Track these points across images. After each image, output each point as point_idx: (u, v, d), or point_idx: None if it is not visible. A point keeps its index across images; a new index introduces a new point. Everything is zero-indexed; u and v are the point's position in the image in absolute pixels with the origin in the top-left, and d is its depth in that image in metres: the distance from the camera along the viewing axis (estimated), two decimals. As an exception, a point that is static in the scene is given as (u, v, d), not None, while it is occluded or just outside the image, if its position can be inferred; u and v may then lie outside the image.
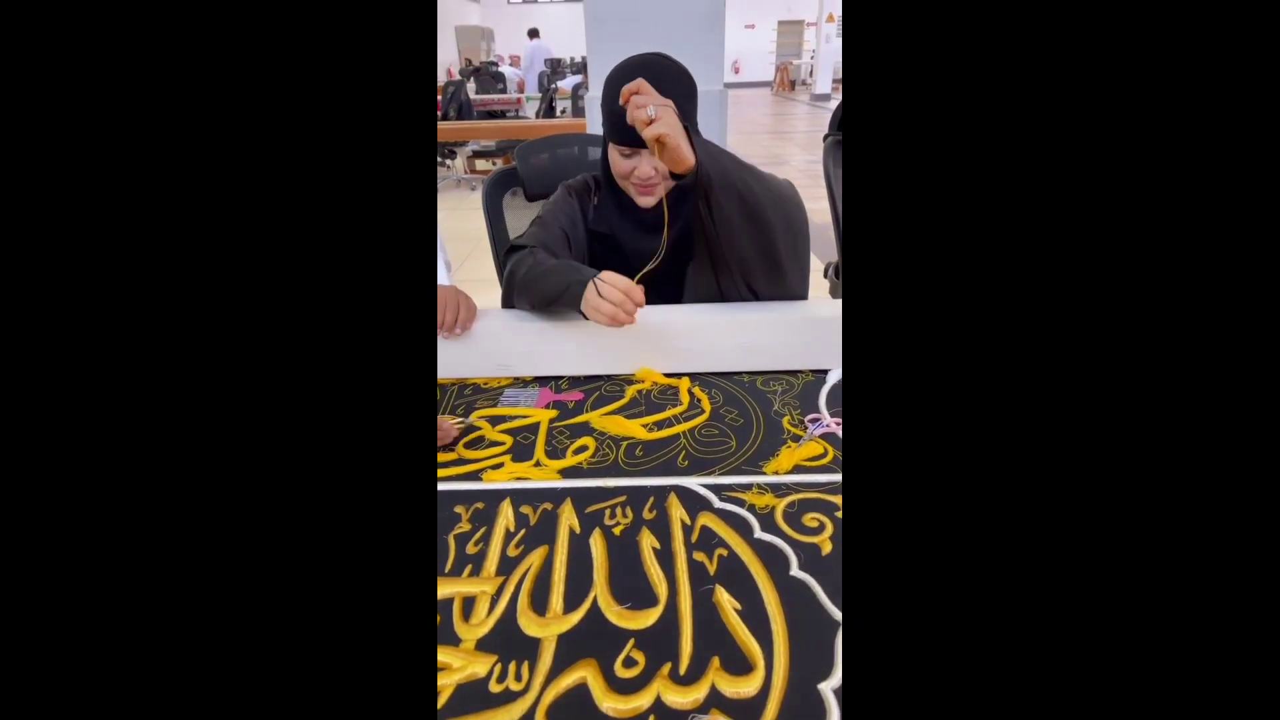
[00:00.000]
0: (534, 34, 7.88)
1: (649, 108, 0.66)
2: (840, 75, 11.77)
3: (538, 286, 0.76)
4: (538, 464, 0.61)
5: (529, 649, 0.42)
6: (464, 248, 3.43)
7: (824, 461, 0.60)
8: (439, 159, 5.36)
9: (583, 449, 0.63)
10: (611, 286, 0.68)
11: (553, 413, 0.70)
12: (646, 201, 0.82)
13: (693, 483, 0.58)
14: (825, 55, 11.48)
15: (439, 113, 5.18)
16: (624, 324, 0.69)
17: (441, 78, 8.35)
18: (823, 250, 1.25)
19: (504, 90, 6.00)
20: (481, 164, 5.31)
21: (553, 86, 5.64)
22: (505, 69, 6.78)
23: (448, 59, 10.47)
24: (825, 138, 1.20)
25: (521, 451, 0.63)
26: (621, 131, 0.73)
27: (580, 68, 6.62)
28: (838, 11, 11.09)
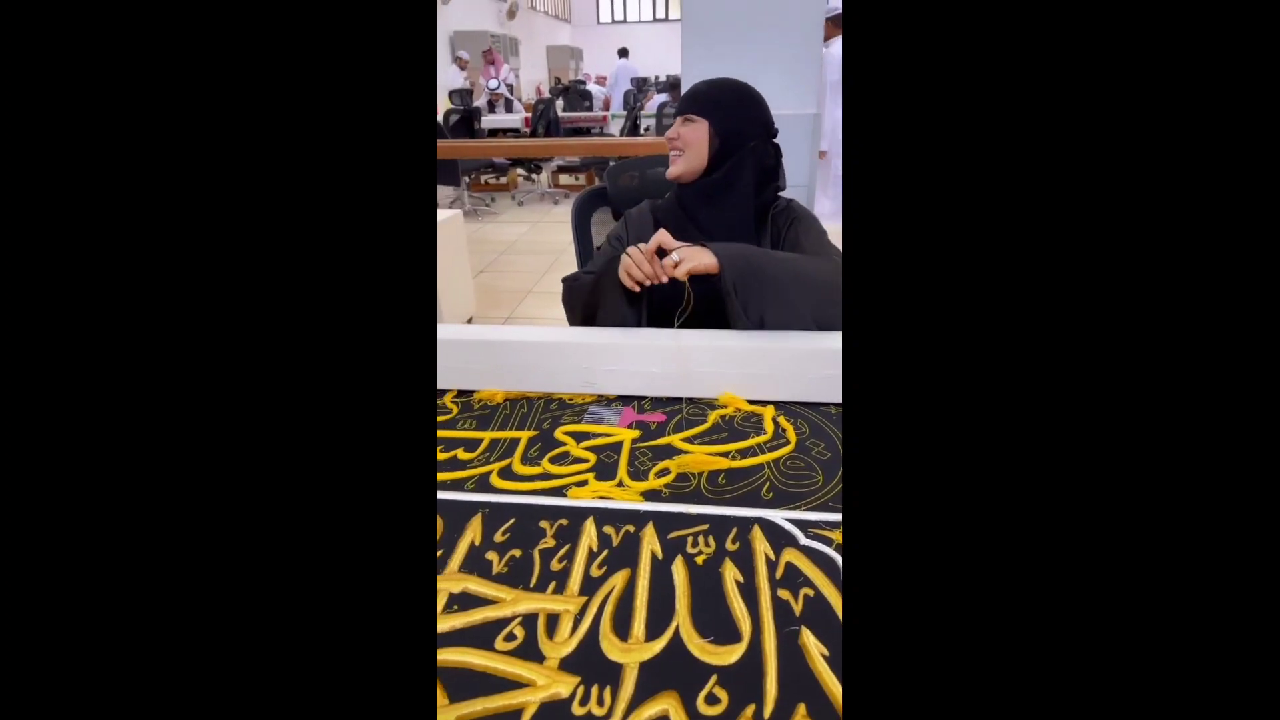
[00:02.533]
0: (623, 53, 8.07)
1: (673, 254, 0.78)
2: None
3: (586, 286, 0.89)
4: (620, 484, 0.62)
5: (611, 674, 0.42)
6: (545, 260, 3.52)
7: (917, 505, 0.57)
8: (527, 173, 5.56)
9: (664, 472, 0.63)
10: (634, 250, 0.81)
11: (635, 433, 0.70)
12: (672, 170, 0.96)
13: (778, 516, 0.56)
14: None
15: (528, 129, 5.38)
16: (648, 277, 0.79)
17: (531, 95, 8.68)
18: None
19: (590, 108, 6.17)
20: (565, 178, 5.47)
21: (638, 105, 5.74)
22: (592, 87, 6.97)
23: (538, 77, 10.88)
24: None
25: (605, 470, 0.64)
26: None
27: (666, 86, 6.71)
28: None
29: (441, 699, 0.41)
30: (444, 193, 4.92)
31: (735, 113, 0.93)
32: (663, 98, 5.66)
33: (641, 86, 7.47)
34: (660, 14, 14.75)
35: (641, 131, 5.16)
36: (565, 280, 0.97)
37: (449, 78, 7.11)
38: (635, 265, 0.80)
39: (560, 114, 5.54)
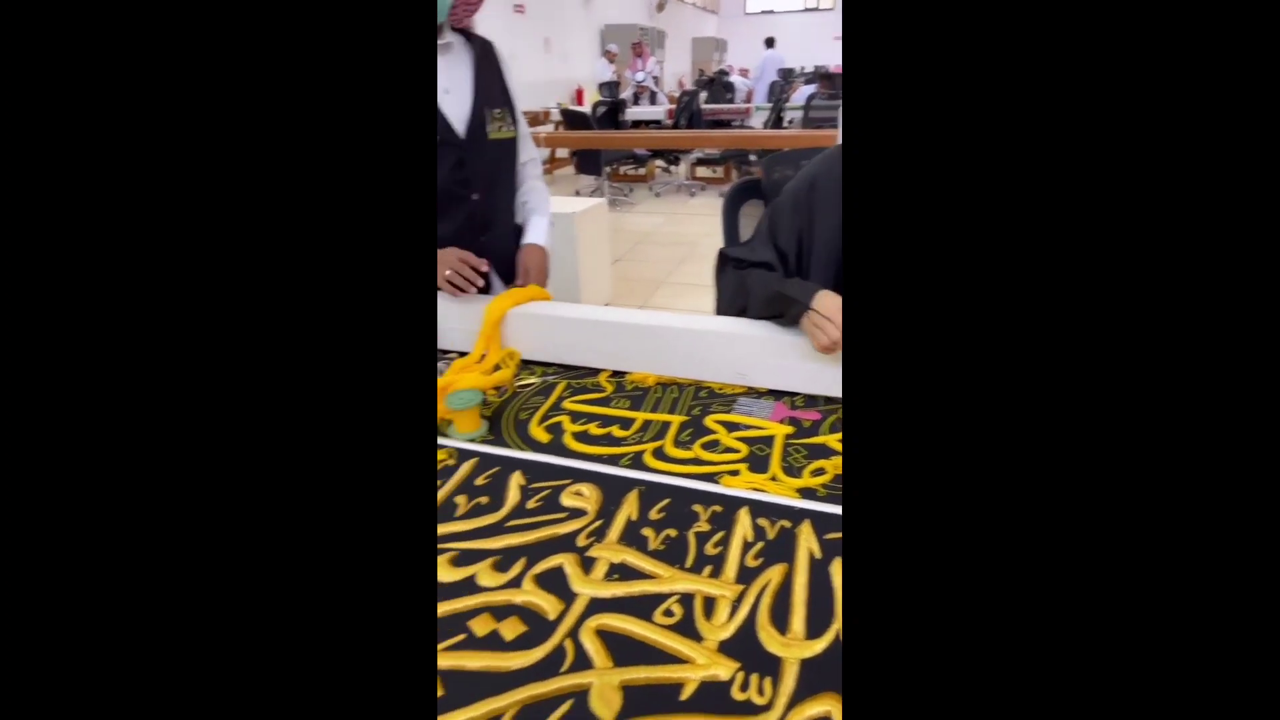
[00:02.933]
0: (769, 43, 7.89)
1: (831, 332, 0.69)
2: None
3: (758, 295, 0.80)
4: (774, 478, 0.61)
5: (771, 665, 0.42)
6: (680, 251, 3.55)
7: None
8: (666, 164, 5.62)
9: (820, 471, 0.61)
10: (821, 316, 0.70)
11: (789, 429, 0.69)
12: None
13: (947, 531, 0.53)
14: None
15: (670, 121, 5.42)
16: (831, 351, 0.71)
17: (674, 88, 8.74)
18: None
19: (733, 100, 6.10)
20: (703, 171, 5.46)
21: (783, 97, 5.59)
22: (735, 79, 6.89)
23: (681, 69, 10.92)
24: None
25: (757, 463, 0.63)
26: None
27: (813, 77, 6.47)
28: None
29: (605, 661, 0.43)
30: (585, 182, 5.10)
31: None
32: (810, 89, 5.46)
33: (787, 77, 7.27)
34: (811, 4, 14.23)
35: (785, 124, 5.03)
36: (724, 254, 0.90)
37: (598, 70, 7.35)
38: (825, 331, 0.70)
39: (703, 106, 5.53)
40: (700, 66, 9.89)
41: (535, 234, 1.09)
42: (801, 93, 5.59)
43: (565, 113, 5.37)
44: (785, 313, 0.75)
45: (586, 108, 5.57)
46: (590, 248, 2.52)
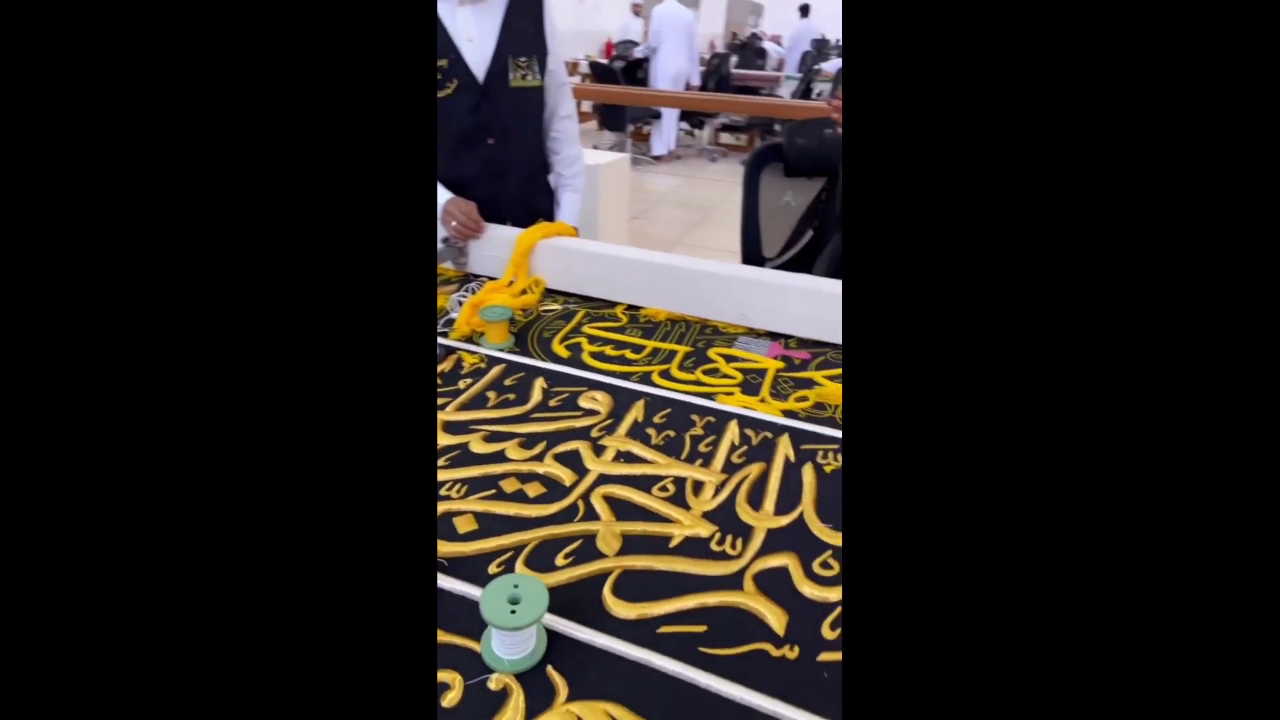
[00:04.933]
0: (804, 11, 7.71)
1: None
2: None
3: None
4: (763, 400, 0.70)
5: (744, 530, 0.52)
6: (696, 215, 3.59)
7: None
8: (690, 127, 5.58)
9: (803, 399, 0.71)
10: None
11: (780, 364, 0.78)
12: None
13: (904, 451, 0.62)
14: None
15: (700, 84, 5.37)
16: None
17: (705, 50, 8.57)
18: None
19: (763, 67, 6.02)
20: (726, 137, 5.43)
21: (815, 68, 5.52)
22: (768, 45, 6.78)
23: (714, 31, 10.67)
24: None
25: (750, 388, 0.73)
26: None
27: (846, 51, 6.35)
28: None
29: (610, 516, 0.53)
30: (608, 138, 5.10)
31: None
32: (842, 61, 5.40)
33: (821, 48, 7.14)
34: (854, -29, 13.74)
35: (814, 96, 4.99)
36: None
37: (625, 24, 7.22)
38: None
39: (733, 70, 5.47)
40: (734, 29, 9.68)
41: (566, 213, 1.16)
42: (834, 64, 5.52)
43: (594, 65, 5.32)
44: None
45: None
46: (610, 201, 2.58)
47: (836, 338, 0.82)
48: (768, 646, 0.42)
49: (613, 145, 4.93)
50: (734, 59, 5.82)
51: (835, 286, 0.83)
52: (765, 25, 10.99)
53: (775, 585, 0.47)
